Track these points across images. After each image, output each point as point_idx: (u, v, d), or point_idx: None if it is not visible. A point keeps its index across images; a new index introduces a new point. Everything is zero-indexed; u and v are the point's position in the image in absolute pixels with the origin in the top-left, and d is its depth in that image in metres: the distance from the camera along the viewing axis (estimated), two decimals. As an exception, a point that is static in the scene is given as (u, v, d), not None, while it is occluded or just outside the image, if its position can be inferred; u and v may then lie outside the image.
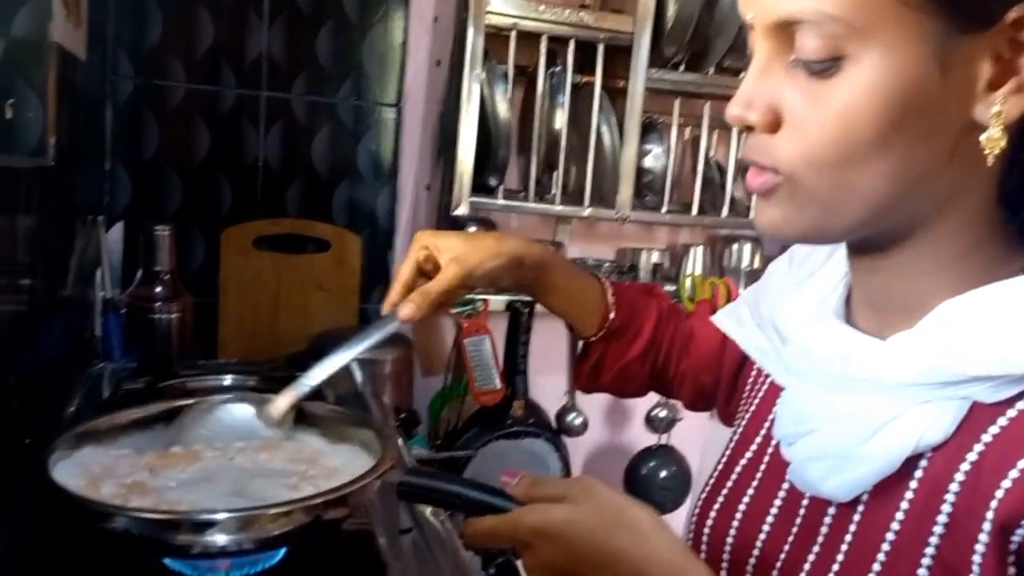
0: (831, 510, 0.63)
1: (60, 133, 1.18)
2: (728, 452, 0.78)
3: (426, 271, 0.87)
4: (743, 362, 0.85)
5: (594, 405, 1.92)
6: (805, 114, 0.55)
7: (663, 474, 1.89)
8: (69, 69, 1.26)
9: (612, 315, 0.92)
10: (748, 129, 0.59)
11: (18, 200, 1.00)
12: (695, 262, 1.92)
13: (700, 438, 1.93)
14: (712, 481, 0.77)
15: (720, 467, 0.77)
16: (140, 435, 0.85)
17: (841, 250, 0.68)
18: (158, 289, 1.52)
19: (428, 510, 0.90)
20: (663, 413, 1.87)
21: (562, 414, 1.81)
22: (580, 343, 0.98)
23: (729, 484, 0.75)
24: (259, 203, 1.72)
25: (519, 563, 0.67)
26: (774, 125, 0.57)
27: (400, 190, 1.79)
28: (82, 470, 0.77)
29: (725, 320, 0.84)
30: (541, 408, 1.76)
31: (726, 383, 0.90)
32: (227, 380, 1.21)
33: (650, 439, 1.91)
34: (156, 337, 1.47)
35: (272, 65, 1.69)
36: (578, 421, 1.81)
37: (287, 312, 1.73)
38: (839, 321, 0.65)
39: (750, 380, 0.82)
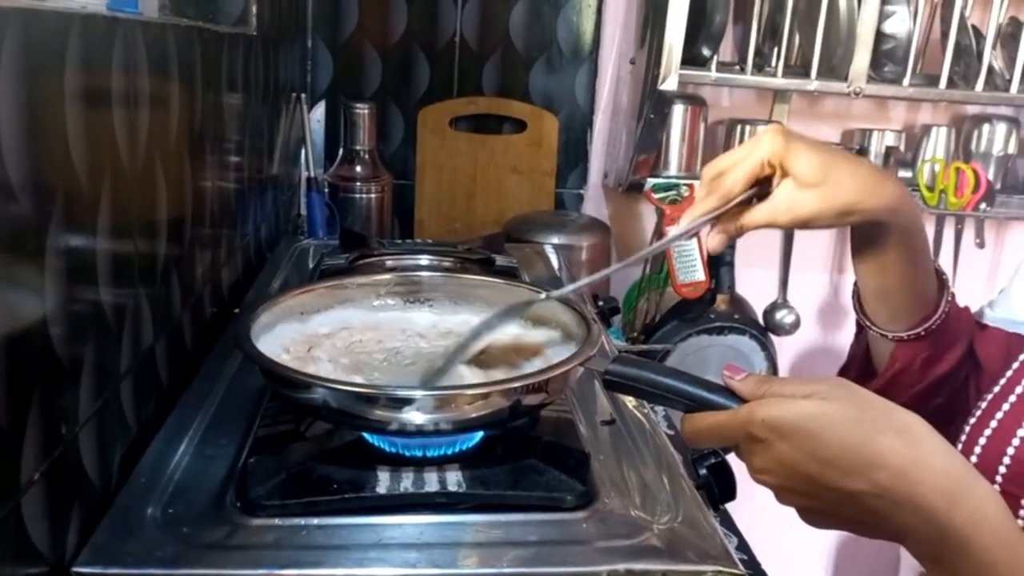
0: None
1: (262, 4, 1.17)
2: (1004, 379, 0.65)
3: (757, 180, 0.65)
4: None
5: (807, 302, 1.77)
6: None
7: (883, 381, 1.72)
8: (269, -62, 1.23)
9: (940, 311, 0.70)
10: None
11: (225, 73, 0.99)
12: (936, 145, 1.67)
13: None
14: (980, 411, 0.64)
15: (991, 395, 0.64)
16: (341, 309, 0.84)
17: None
18: (358, 168, 1.53)
19: (631, 401, 0.84)
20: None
21: (771, 311, 1.68)
22: (860, 349, 0.78)
23: (1002, 412, 0.62)
24: (456, 81, 1.67)
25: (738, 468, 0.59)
26: None
27: (601, 65, 1.67)
28: (284, 340, 0.77)
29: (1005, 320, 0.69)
30: (747, 303, 1.64)
31: None
32: (423, 260, 1.19)
33: (870, 342, 1.74)
34: (356, 216, 1.49)
35: (469, -69, 1.60)
36: (789, 319, 1.67)
37: (482, 194, 1.69)
38: None
39: None
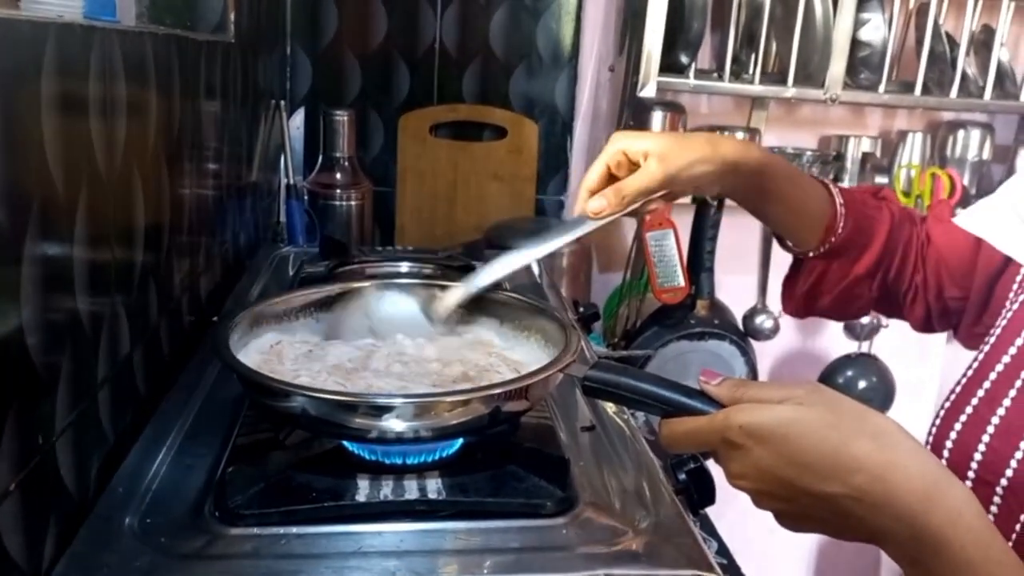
0: None
1: (240, 12, 1.17)
2: (976, 363, 0.66)
3: (618, 176, 0.75)
4: (1004, 268, 0.72)
5: (785, 308, 1.78)
6: None
7: (862, 384, 1.73)
8: (248, -55, 1.23)
9: (840, 227, 0.78)
10: None
11: (204, 80, 0.99)
12: (912, 151, 1.69)
13: (907, 348, 1.74)
14: (954, 396, 0.65)
15: (965, 380, 0.66)
16: (319, 316, 0.84)
17: None
18: (338, 176, 1.53)
19: (611, 407, 0.84)
20: (866, 319, 1.70)
21: (750, 316, 1.69)
22: (792, 259, 0.85)
23: (977, 398, 0.63)
24: (436, 88, 1.68)
25: (718, 472, 0.60)
26: None
27: (580, 73, 1.68)
28: (263, 349, 0.77)
29: (975, 222, 0.71)
30: (727, 308, 1.65)
31: (979, 295, 0.76)
32: (404, 267, 1.19)
33: (849, 346, 1.76)
34: (336, 223, 1.48)
35: (449, -62, 1.61)
36: (768, 324, 1.68)
37: (463, 201, 1.70)
38: None
39: (1013, 288, 0.68)
